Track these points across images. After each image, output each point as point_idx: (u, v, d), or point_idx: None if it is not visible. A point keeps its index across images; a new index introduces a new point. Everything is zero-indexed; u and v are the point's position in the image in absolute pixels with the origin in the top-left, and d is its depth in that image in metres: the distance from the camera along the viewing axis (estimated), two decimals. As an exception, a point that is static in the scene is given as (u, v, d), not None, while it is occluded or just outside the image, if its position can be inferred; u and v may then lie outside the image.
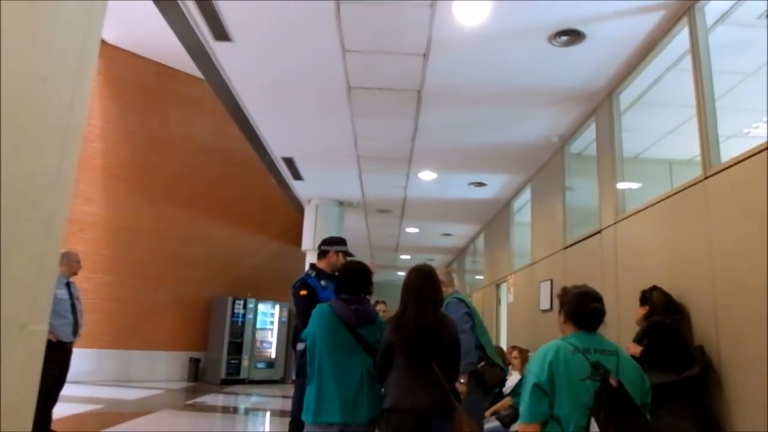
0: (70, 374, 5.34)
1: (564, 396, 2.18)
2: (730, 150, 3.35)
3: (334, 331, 3.04)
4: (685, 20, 3.82)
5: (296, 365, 3.77)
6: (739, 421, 2.95)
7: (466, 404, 3.18)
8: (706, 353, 3.22)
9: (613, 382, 2.17)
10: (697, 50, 3.67)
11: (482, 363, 3.85)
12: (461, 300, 4.10)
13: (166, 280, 11.62)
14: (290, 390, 4.56)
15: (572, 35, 4.22)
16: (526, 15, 4.03)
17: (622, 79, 4.80)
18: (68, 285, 5.27)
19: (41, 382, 1.17)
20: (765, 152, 2.89)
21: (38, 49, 1.09)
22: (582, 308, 2.36)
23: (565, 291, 2.53)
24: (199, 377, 11.86)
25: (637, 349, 3.30)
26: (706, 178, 3.42)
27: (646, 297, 3.57)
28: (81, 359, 7.83)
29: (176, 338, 11.81)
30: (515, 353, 6.00)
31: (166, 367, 11.61)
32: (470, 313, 4.00)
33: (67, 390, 5.33)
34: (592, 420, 2.13)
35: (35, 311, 1.10)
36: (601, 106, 5.24)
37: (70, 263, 5.26)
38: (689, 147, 3.91)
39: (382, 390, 2.99)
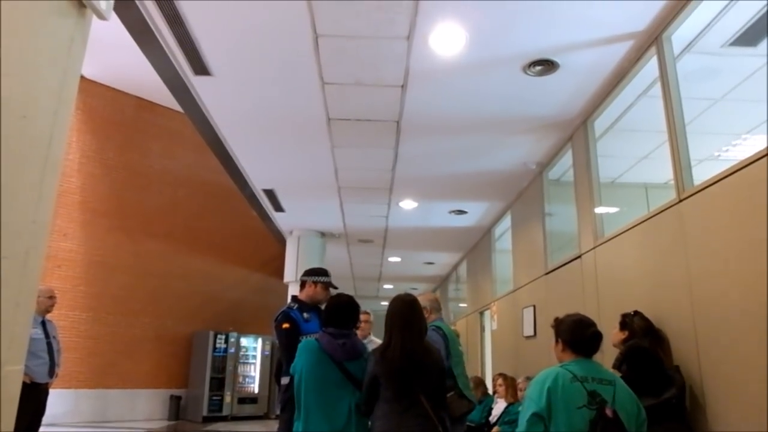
0: (45, 416, 5.17)
1: (560, 423, 2.23)
2: (702, 173, 3.43)
3: (320, 366, 2.99)
4: (653, 49, 3.95)
5: (280, 400, 3.70)
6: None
7: None
8: (681, 373, 3.25)
9: (608, 412, 2.22)
10: (666, 78, 3.78)
11: (451, 393, 3.67)
12: (438, 328, 3.95)
13: (146, 315, 11.40)
14: (274, 426, 4.47)
15: (546, 65, 4.33)
16: (500, 46, 4.13)
17: (596, 106, 4.92)
18: (44, 324, 5.13)
19: (14, 427, 1.14)
20: (736, 174, 2.97)
21: (18, 88, 1.09)
22: (581, 334, 2.46)
23: (559, 321, 2.60)
24: (180, 415, 11.55)
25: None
26: (681, 201, 3.49)
27: (626, 322, 3.61)
28: (57, 400, 7.60)
29: (156, 375, 11.53)
30: (500, 381, 5.96)
31: (145, 406, 11.29)
32: (446, 343, 3.86)
33: (42, 433, 5.16)
34: None
35: (11, 351, 1.07)
36: (577, 133, 5.35)
37: (40, 299, 5.04)
38: (664, 171, 4.00)
39: (369, 423, 2.94)
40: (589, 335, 2.44)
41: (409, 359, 2.81)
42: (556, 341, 2.55)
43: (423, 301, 4.08)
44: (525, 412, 2.32)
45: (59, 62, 1.22)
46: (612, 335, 3.70)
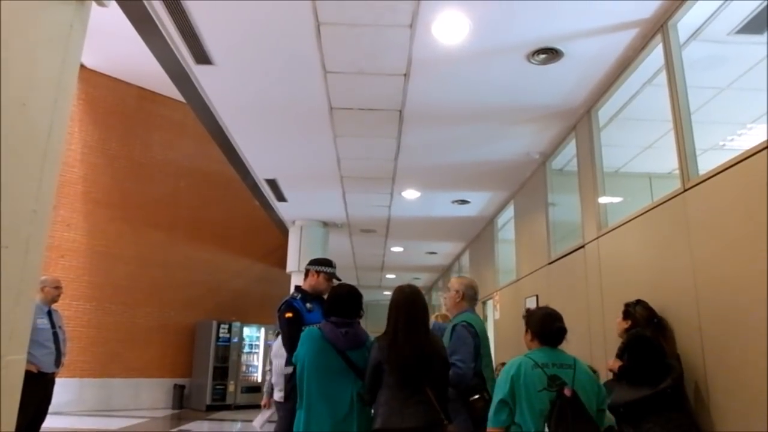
0: (50, 405, 5.19)
1: (523, 406, 2.53)
2: (707, 162, 3.41)
3: (322, 354, 3.00)
4: (658, 37, 3.90)
5: (284, 389, 3.71)
6: (727, 426, 2.96)
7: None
8: (681, 362, 3.26)
9: (567, 392, 2.50)
10: (671, 66, 3.74)
11: (477, 396, 3.29)
12: (470, 324, 3.43)
13: (149, 305, 11.44)
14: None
15: (550, 53, 4.29)
16: (504, 34, 4.09)
17: (600, 95, 4.88)
18: (50, 313, 5.14)
19: (21, 415, 1.14)
20: (741, 164, 2.95)
21: (17, 76, 1.08)
22: (548, 327, 2.72)
23: (530, 313, 2.88)
24: (183, 404, 11.62)
25: (615, 365, 3.36)
26: (685, 190, 3.47)
27: (629, 311, 3.60)
28: (61, 389, 7.63)
29: (160, 365, 11.59)
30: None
31: (149, 395, 11.36)
32: (477, 343, 3.37)
33: (47, 422, 5.19)
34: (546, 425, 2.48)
35: (12, 341, 1.07)
36: (581, 122, 5.31)
37: (47, 289, 5.11)
38: (668, 160, 3.97)
39: (372, 411, 2.95)
40: (555, 329, 2.70)
41: (414, 352, 2.82)
42: (526, 331, 2.81)
43: (457, 284, 3.73)
44: (494, 399, 2.64)
45: (58, 50, 1.20)
46: (615, 324, 3.70)
